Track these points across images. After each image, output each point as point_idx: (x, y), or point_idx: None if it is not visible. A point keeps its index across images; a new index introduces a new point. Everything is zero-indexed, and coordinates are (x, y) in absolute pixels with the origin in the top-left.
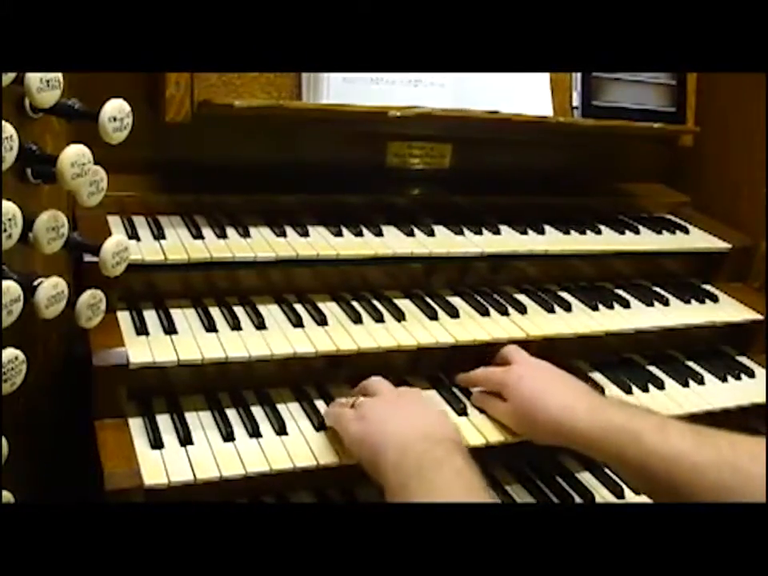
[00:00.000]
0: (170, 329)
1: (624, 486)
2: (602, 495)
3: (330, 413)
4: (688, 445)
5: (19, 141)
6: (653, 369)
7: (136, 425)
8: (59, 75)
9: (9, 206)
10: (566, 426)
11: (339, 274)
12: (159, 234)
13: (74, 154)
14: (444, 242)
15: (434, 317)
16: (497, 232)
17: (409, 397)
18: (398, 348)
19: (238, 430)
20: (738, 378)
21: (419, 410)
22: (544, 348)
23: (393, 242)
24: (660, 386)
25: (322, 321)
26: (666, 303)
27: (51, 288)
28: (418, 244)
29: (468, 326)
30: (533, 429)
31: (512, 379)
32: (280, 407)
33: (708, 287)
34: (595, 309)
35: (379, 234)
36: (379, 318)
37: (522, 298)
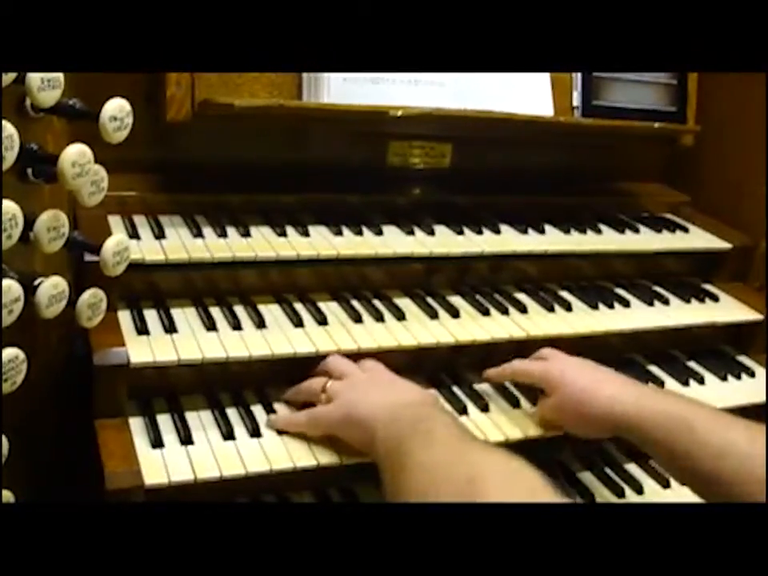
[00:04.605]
0: (170, 328)
1: (624, 486)
2: (603, 495)
3: (299, 420)
4: (740, 437)
5: (20, 140)
6: (653, 368)
7: (136, 424)
8: (60, 75)
9: (9, 206)
10: (617, 414)
11: (339, 273)
12: (160, 234)
13: (75, 154)
14: (444, 241)
15: (434, 316)
16: (497, 231)
17: (378, 372)
18: (399, 348)
19: (239, 429)
20: (739, 377)
21: (395, 382)
22: (544, 347)
23: (393, 241)
24: (660, 385)
25: (322, 320)
26: (666, 303)
27: (52, 287)
28: (419, 244)
29: (468, 325)
30: (582, 422)
31: (554, 373)
32: (280, 407)
33: (708, 287)
34: (596, 308)
35: (379, 233)
36: (380, 318)
37: (522, 297)
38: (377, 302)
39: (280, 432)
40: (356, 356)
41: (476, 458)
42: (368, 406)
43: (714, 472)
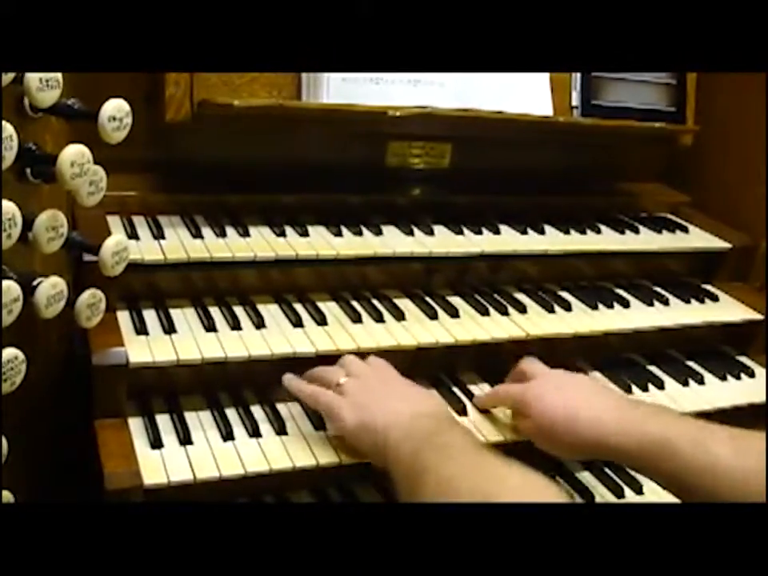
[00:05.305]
0: (169, 328)
1: (624, 486)
2: (602, 495)
3: (317, 397)
4: (726, 453)
5: (19, 140)
6: (653, 368)
7: (136, 424)
8: (59, 75)
9: (8, 206)
10: (598, 441)
11: (339, 273)
12: (159, 234)
13: (74, 154)
14: (444, 241)
15: (433, 316)
16: (497, 232)
17: (389, 375)
18: (398, 348)
19: (238, 429)
20: (738, 377)
21: (409, 390)
22: (544, 348)
23: (393, 241)
24: (660, 385)
25: (321, 320)
26: (666, 303)
27: (51, 288)
28: (418, 244)
29: (468, 325)
30: (561, 447)
31: (531, 397)
32: (279, 407)
33: (708, 287)
34: (595, 308)
35: (379, 233)
36: (379, 318)
37: (521, 297)
38: (376, 302)
39: (279, 432)
40: (356, 356)
41: (493, 476)
42: (383, 413)
43: (698, 488)
